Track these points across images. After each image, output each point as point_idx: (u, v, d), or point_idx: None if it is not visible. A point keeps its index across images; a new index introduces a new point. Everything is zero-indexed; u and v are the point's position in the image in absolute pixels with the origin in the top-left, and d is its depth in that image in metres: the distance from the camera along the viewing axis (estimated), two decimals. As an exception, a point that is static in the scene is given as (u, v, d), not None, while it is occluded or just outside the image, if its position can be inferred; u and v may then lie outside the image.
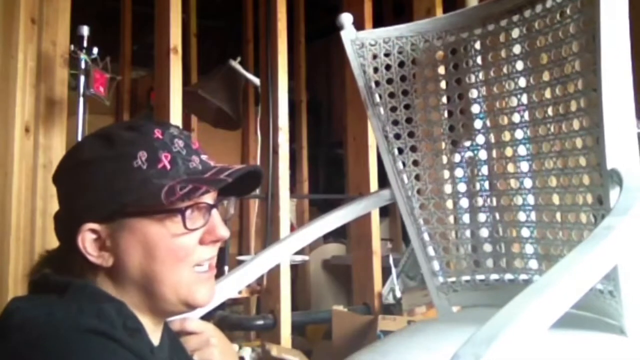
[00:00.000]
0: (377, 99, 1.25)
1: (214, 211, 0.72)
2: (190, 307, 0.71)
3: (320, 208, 3.79)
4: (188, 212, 0.68)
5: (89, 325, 0.58)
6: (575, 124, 0.97)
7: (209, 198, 0.71)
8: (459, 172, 1.21)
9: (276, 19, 2.14)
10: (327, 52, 4.17)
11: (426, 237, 1.24)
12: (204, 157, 0.73)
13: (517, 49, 1.08)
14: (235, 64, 2.75)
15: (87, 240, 0.67)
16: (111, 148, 0.69)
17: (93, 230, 0.68)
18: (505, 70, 1.10)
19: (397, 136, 1.24)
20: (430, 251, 1.24)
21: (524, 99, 1.08)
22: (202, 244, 0.71)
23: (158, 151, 0.68)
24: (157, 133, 0.70)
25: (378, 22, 2.38)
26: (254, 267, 1.12)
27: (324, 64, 4.26)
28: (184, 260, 0.69)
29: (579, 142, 0.97)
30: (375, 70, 1.24)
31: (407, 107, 1.23)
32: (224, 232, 0.72)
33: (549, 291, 0.61)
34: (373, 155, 2.28)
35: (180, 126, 0.78)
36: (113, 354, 0.58)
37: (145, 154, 0.68)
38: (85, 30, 1.93)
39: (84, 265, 0.68)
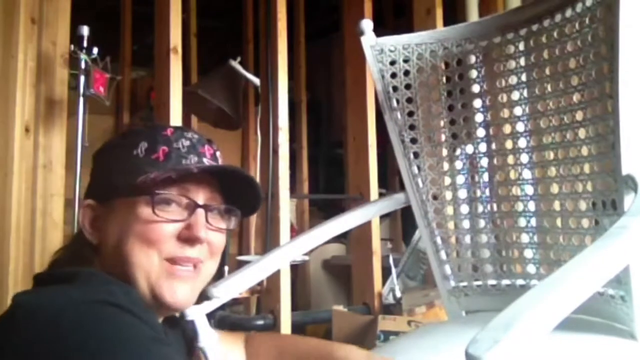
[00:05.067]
0: (395, 103, 1.26)
1: (200, 212, 0.73)
2: (159, 301, 0.71)
3: (320, 208, 3.79)
4: (161, 200, 0.71)
5: (102, 298, 0.60)
6: (591, 131, 0.98)
7: (198, 197, 0.73)
8: (473, 178, 1.22)
9: (276, 19, 2.14)
10: (327, 52, 4.16)
11: (439, 241, 1.24)
12: (207, 160, 0.75)
13: (534, 58, 1.09)
14: (235, 64, 2.74)
15: (86, 216, 0.74)
16: (123, 138, 0.76)
17: (91, 207, 0.74)
18: (523, 78, 1.11)
19: (413, 141, 1.25)
20: (443, 255, 1.24)
21: (540, 106, 1.09)
22: (179, 239, 0.72)
23: (158, 144, 0.73)
24: (168, 132, 0.75)
25: (378, 23, 2.38)
26: (262, 267, 1.09)
27: (324, 64, 4.25)
28: (154, 246, 0.70)
29: (593, 149, 0.98)
30: (394, 75, 1.25)
31: (424, 112, 1.24)
32: (199, 232, 0.72)
33: (566, 282, 0.62)
34: (373, 155, 2.28)
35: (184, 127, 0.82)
36: (128, 320, 0.59)
37: (145, 145, 0.73)
38: (85, 30, 1.93)
39: (88, 244, 0.73)
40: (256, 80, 2.76)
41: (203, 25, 3.59)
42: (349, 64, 2.41)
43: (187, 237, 0.72)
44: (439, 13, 2.32)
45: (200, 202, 0.73)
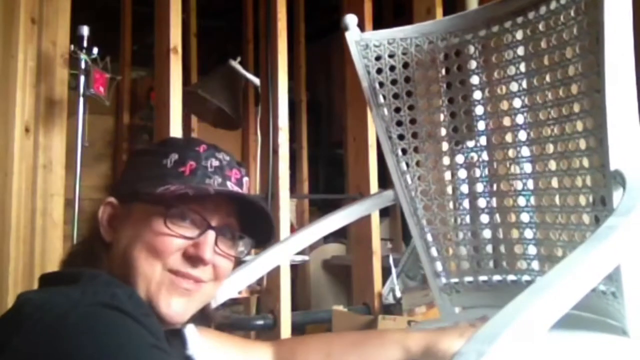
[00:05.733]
0: (381, 99, 1.25)
1: (211, 233, 0.72)
2: (154, 311, 0.70)
3: (320, 208, 3.79)
4: (176, 214, 0.71)
5: (104, 301, 0.60)
6: (579, 126, 0.97)
7: (213, 219, 0.73)
8: (462, 174, 1.21)
9: (276, 19, 2.14)
10: (327, 52, 4.16)
11: (429, 237, 1.23)
12: (231, 184, 0.75)
13: (520, 51, 1.07)
14: (235, 64, 2.74)
15: (105, 212, 0.75)
16: (159, 145, 0.78)
17: (112, 205, 0.75)
18: (508, 72, 1.10)
19: (401, 137, 1.24)
20: (433, 252, 1.23)
21: (527, 100, 1.08)
22: (184, 256, 0.72)
23: (187, 158, 0.74)
24: (200, 148, 0.76)
25: (378, 23, 2.38)
26: (257, 266, 1.11)
27: (324, 64, 4.25)
28: (159, 257, 0.70)
29: (582, 144, 0.96)
30: (379, 71, 1.23)
31: (410, 108, 1.23)
32: (205, 253, 0.71)
33: (552, 289, 0.61)
34: (373, 155, 2.28)
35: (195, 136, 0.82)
36: (129, 326, 0.59)
37: (175, 156, 0.74)
38: (85, 30, 1.93)
39: (101, 241, 0.74)
40: (256, 80, 2.76)
41: (203, 25, 3.59)
42: (349, 63, 2.40)
43: (192, 256, 0.72)
44: (439, 12, 2.32)
45: (214, 223, 0.73)
